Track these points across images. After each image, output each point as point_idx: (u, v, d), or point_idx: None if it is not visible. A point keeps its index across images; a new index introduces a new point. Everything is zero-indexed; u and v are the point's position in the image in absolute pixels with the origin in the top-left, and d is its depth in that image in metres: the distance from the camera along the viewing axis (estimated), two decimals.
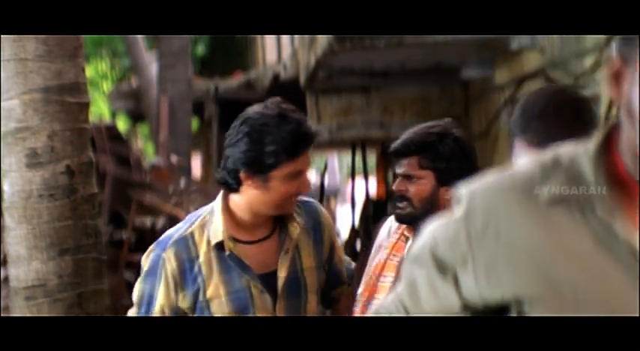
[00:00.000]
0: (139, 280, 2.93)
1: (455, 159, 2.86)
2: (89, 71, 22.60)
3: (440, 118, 2.97)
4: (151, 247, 2.91)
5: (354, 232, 15.38)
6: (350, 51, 11.46)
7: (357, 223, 15.67)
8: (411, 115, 14.49)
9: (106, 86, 22.01)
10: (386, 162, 19.76)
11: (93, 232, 4.00)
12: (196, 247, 2.86)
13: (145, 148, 20.04)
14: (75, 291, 3.93)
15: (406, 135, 2.91)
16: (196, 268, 2.85)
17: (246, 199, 2.85)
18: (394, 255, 2.99)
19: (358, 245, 15.25)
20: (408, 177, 2.90)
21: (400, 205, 2.90)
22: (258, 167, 2.78)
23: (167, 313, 2.88)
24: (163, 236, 2.91)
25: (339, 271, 3.14)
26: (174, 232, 2.91)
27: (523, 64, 12.08)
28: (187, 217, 2.97)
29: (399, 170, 2.91)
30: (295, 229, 2.92)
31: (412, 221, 2.90)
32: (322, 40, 11.98)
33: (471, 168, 2.85)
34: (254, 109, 2.83)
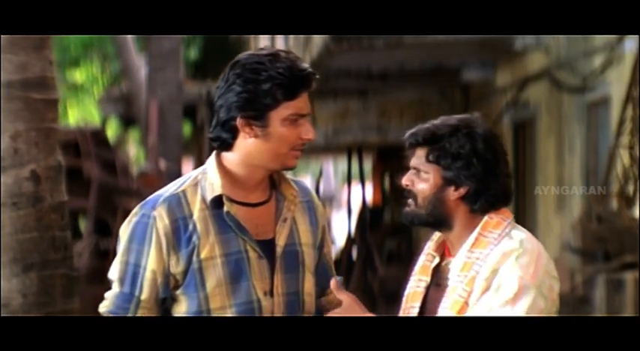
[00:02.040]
0: (119, 253, 2.72)
1: (462, 157, 2.67)
2: (80, 75, 22.60)
3: None
4: (133, 212, 2.74)
5: (350, 240, 15.26)
6: (347, 52, 11.29)
7: (353, 230, 15.58)
8: (409, 119, 14.34)
9: (97, 90, 22.05)
10: (383, 167, 19.65)
11: (62, 246, 3.84)
12: (189, 206, 2.72)
13: (136, 153, 19.91)
14: (41, 311, 3.76)
15: (423, 124, 2.78)
16: (191, 226, 2.71)
17: (242, 152, 2.73)
18: (420, 280, 2.78)
19: (354, 254, 15.07)
20: (416, 170, 2.74)
21: (408, 202, 2.77)
22: (254, 109, 2.68)
23: (159, 281, 2.70)
24: (149, 198, 2.75)
25: (329, 266, 2.96)
26: (162, 192, 2.76)
27: (527, 65, 11.85)
28: (176, 180, 2.82)
29: (410, 162, 2.78)
30: (294, 198, 2.81)
31: (418, 222, 2.76)
32: (317, 41, 11.78)
33: (485, 170, 2.67)
34: (244, 54, 2.74)
